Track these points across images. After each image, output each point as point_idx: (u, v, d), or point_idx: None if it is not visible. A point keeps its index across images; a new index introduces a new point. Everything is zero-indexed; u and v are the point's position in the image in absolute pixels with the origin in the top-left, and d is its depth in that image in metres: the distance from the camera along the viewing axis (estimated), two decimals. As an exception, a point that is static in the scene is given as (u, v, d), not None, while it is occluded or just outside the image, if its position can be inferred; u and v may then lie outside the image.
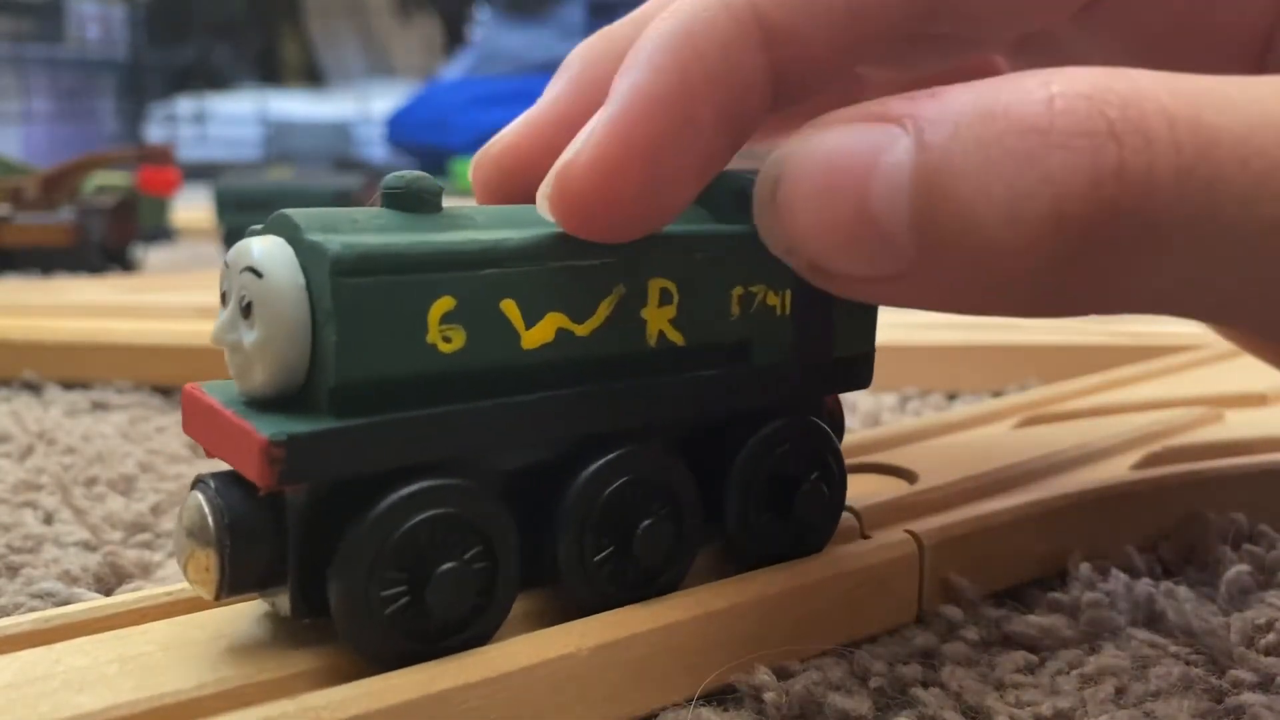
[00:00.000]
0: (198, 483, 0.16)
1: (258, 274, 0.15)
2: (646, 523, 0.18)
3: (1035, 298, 0.14)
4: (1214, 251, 0.14)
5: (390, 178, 0.16)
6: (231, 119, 2.35)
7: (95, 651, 0.16)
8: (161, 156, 0.93)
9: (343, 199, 0.88)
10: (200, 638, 0.16)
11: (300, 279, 0.15)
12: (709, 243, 0.18)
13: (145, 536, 0.27)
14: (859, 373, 0.20)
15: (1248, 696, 0.18)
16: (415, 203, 0.16)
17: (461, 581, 0.16)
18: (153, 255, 0.87)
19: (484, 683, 0.16)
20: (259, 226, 0.16)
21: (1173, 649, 0.20)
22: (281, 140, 2.32)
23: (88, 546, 0.26)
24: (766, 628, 0.19)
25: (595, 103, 0.16)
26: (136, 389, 0.42)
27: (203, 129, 2.35)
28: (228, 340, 0.16)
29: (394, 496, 0.15)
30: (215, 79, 2.71)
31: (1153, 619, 0.21)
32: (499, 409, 0.16)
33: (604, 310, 0.17)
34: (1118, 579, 0.22)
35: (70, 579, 0.24)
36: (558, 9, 2.07)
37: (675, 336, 0.18)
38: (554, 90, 0.20)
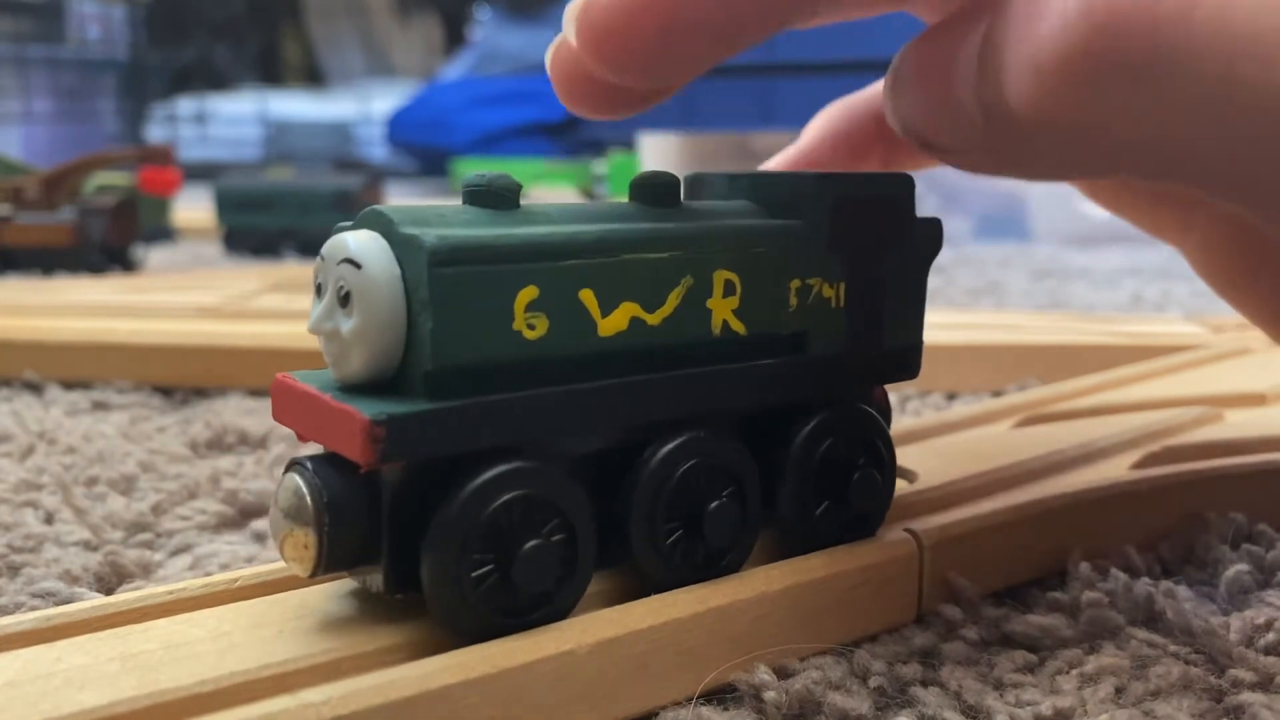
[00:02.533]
0: (294, 465, 0.17)
1: (356, 265, 0.16)
2: (714, 504, 0.19)
3: (1055, 154, 0.16)
4: (1191, 103, 0.14)
5: (471, 176, 0.17)
6: (232, 119, 2.35)
7: (96, 650, 0.16)
8: (162, 157, 0.93)
9: (343, 199, 0.88)
10: (200, 635, 0.16)
11: (396, 269, 0.16)
12: (768, 237, 0.19)
13: (146, 536, 0.27)
14: (908, 363, 0.21)
15: (1247, 696, 0.18)
16: (495, 199, 0.17)
17: (545, 558, 0.17)
18: (153, 255, 0.87)
19: (484, 679, 0.16)
20: (348, 223, 0.17)
21: (1172, 649, 0.20)
22: (282, 140, 2.32)
23: (88, 546, 0.26)
24: (766, 626, 0.19)
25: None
26: (137, 389, 0.42)
27: (203, 129, 2.35)
28: (325, 329, 0.17)
29: (485, 476, 0.16)
30: (216, 79, 2.71)
31: (1152, 619, 0.21)
32: (578, 393, 0.17)
33: (673, 300, 0.18)
34: (1117, 579, 0.22)
35: (71, 578, 0.24)
36: (558, 9, 2.07)
37: (738, 326, 0.19)
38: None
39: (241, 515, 0.29)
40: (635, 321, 0.18)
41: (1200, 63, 0.14)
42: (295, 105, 2.41)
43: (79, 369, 0.43)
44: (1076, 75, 0.14)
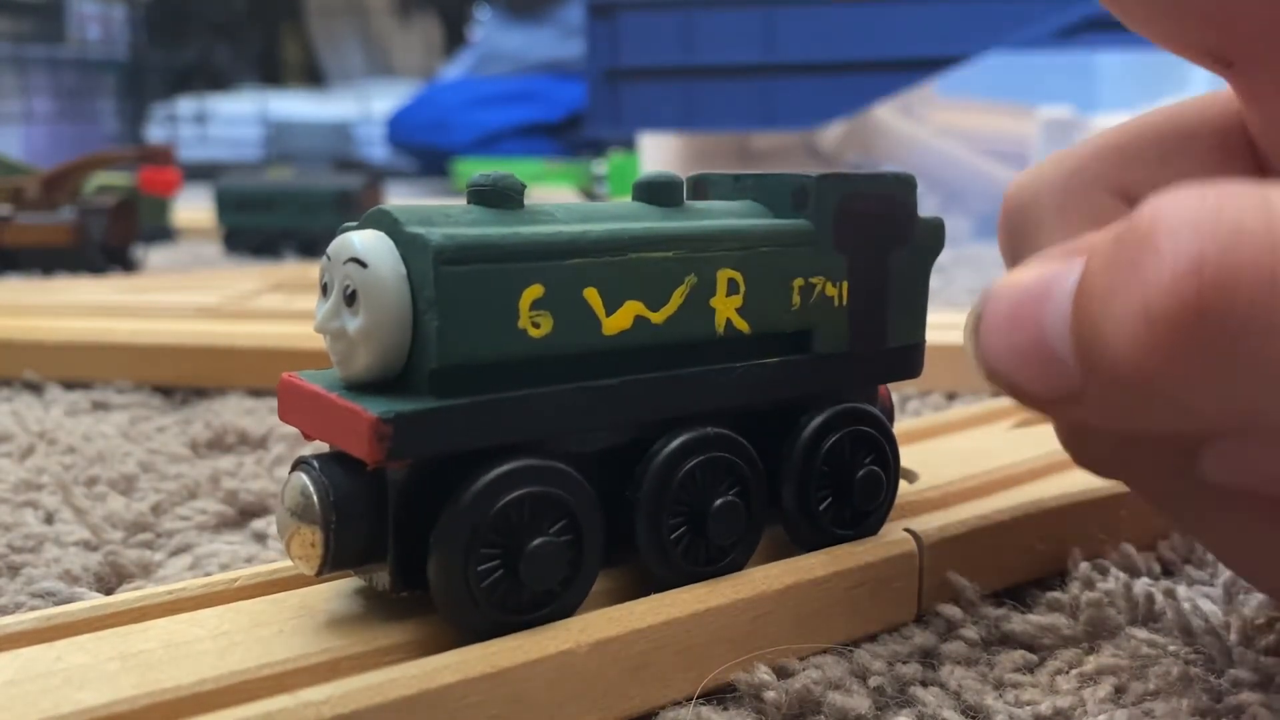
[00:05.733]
0: (300, 464, 0.17)
1: (362, 264, 0.16)
2: (719, 502, 0.19)
3: (1162, 407, 0.14)
4: None
5: (476, 176, 0.17)
6: (232, 119, 2.35)
7: (96, 649, 0.16)
8: (162, 157, 0.93)
9: (343, 199, 0.88)
10: (200, 635, 0.17)
11: (401, 268, 0.16)
12: (771, 236, 0.19)
13: (146, 536, 0.27)
14: (910, 362, 0.22)
15: (1247, 696, 0.18)
16: (500, 199, 0.17)
17: (553, 556, 0.17)
18: (153, 255, 0.87)
19: (484, 678, 0.16)
20: (353, 223, 0.17)
21: (1172, 648, 0.20)
22: (282, 140, 2.32)
23: (88, 546, 0.26)
24: (766, 626, 0.19)
25: None
26: (137, 389, 0.42)
27: (203, 129, 2.35)
28: (331, 328, 0.17)
29: (492, 474, 0.16)
30: (216, 79, 2.71)
31: (1152, 618, 0.21)
32: (583, 391, 0.17)
33: (677, 299, 0.18)
34: (1117, 578, 0.22)
35: (71, 578, 0.24)
36: (558, 9, 2.07)
37: (741, 325, 0.19)
38: None
39: (241, 515, 0.29)
40: (639, 320, 0.18)
41: None
42: (295, 105, 2.41)
43: (79, 369, 0.43)
44: (1180, 337, 0.13)
